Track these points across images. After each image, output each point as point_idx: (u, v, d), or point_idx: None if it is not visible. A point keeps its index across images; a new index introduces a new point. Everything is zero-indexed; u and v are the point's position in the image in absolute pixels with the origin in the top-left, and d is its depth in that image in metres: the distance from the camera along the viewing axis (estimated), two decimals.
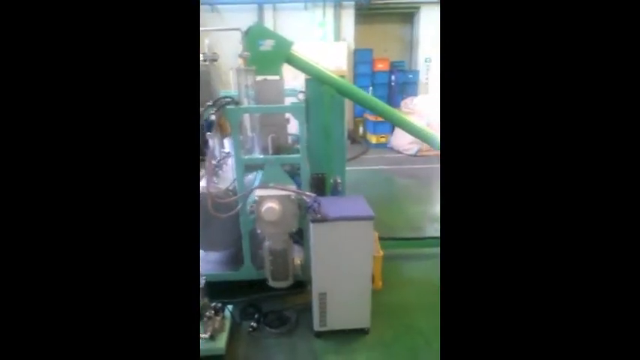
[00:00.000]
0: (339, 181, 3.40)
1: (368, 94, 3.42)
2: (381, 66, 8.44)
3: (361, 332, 2.44)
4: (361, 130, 8.41)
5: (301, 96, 3.04)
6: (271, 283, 2.58)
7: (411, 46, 9.30)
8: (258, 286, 2.67)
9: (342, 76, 3.24)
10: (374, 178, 6.14)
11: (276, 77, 2.84)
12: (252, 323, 2.47)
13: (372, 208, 2.33)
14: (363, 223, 2.24)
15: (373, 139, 7.91)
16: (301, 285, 2.67)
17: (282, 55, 2.78)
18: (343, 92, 3.13)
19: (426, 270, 3.25)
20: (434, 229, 4.07)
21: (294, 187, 2.49)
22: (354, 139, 8.32)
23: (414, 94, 8.38)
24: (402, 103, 7.84)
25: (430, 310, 2.71)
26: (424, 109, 7.51)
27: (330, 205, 2.34)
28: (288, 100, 3.10)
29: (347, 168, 6.36)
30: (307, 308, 2.46)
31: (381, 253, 2.94)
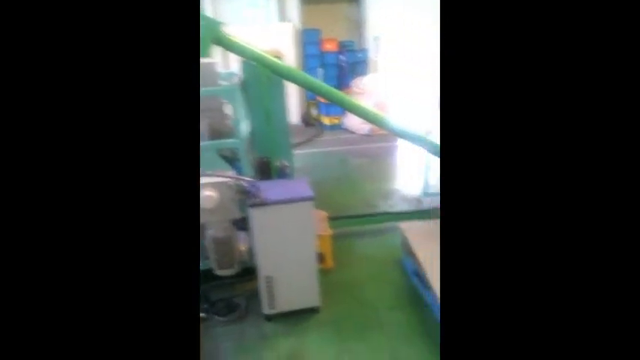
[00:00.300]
0: (286, 164, 3.36)
1: (305, 75, 3.35)
2: (329, 46, 8.35)
3: (312, 311, 2.47)
4: (314, 112, 8.35)
5: (236, 79, 2.94)
6: (217, 271, 2.53)
7: (359, 25, 9.27)
8: (204, 275, 2.60)
9: (278, 57, 3.16)
10: (329, 160, 6.16)
11: (212, 60, 2.72)
12: (200, 314, 2.42)
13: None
14: (303, 204, 2.23)
15: (327, 121, 7.90)
16: (250, 271, 2.64)
17: (209, 36, 2.65)
18: (279, 73, 3.06)
19: (378, 245, 3.33)
20: (388, 205, 4.17)
21: (232, 172, 2.43)
22: (307, 121, 8.26)
23: (365, 73, 8.40)
24: (353, 83, 7.86)
25: (381, 283, 2.79)
26: (374, 87, 7.58)
27: (269, 189, 2.31)
28: None
29: (301, 151, 6.38)
30: (257, 294, 2.44)
31: (330, 232, 2.96)
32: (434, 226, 2.83)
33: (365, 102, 7.26)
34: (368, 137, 7.14)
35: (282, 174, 3.29)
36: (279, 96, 3.53)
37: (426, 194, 3.75)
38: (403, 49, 8.50)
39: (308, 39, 8.21)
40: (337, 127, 7.78)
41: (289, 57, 7.73)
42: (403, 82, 7.91)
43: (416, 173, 5.03)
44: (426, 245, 2.56)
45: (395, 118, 6.84)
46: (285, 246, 2.28)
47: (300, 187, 2.39)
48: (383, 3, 8.64)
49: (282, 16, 8.11)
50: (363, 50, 8.83)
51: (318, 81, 3.33)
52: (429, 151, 3.48)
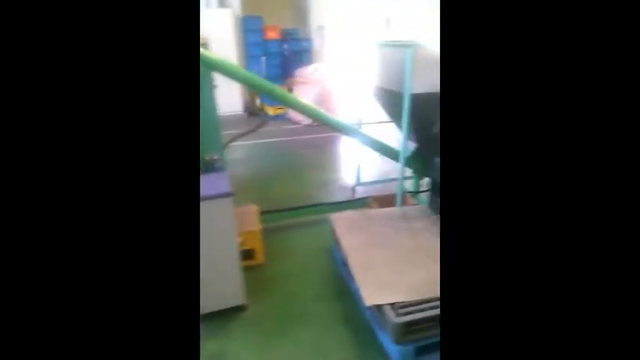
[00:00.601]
0: (215, 158, 3.23)
1: (234, 65, 3.22)
2: (272, 34, 8.17)
3: (239, 310, 2.42)
4: (258, 102, 8.16)
5: None
6: None
7: (303, 13, 9.15)
8: None
9: (203, 45, 2.99)
10: (271, 151, 6.08)
11: None
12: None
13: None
14: (220, 201, 2.14)
15: (271, 111, 7.76)
16: None
17: None
18: (205, 64, 2.90)
19: (311, 237, 3.33)
20: (326, 196, 4.18)
21: None
22: (251, 111, 8.07)
23: (309, 62, 8.34)
24: (297, 73, 7.77)
25: (310, 275, 2.79)
26: (318, 77, 7.55)
27: None
28: None
29: (244, 142, 6.20)
30: None
31: (259, 227, 2.91)
32: (361, 215, 2.88)
33: (309, 91, 7.23)
34: (312, 128, 7.12)
35: (212, 168, 3.16)
36: (207, 85, 3.37)
37: (359, 184, 3.81)
38: (348, 39, 8.53)
39: (249, 26, 7.96)
40: (281, 117, 7.68)
41: (229, 45, 7.46)
42: (347, 73, 7.96)
43: (353, 163, 5.12)
44: (351, 234, 2.59)
45: (336, 109, 6.85)
46: (205, 245, 2.19)
47: (219, 182, 2.30)
48: None
49: (222, 2, 7.78)
50: (308, 39, 8.75)
51: (248, 72, 3.20)
52: (362, 142, 3.52)
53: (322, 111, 3.52)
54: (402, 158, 2.99)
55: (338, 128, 3.64)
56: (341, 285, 2.63)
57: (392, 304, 1.89)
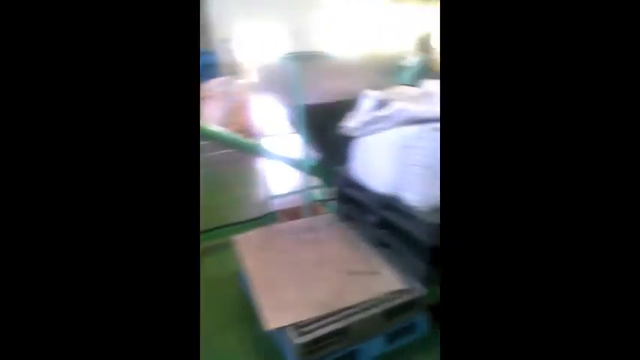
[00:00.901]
0: None
1: None
2: None
3: None
4: None
5: None
6: None
7: (204, 27, 8.85)
8: None
9: None
10: None
11: None
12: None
13: None
14: None
15: None
16: None
17: None
18: None
19: (217, 263, 3.10)
20: (239, 215, 3.97)
21: None
22: None
23: (215, 76, 8.05)
24: (201, 87, 7.44)
25: (215, 304, 2.59)
26: (225, 91, 7.33)
27: None
28: None
29: None
30: None
31: None
32: (265, 232, 2.77)
33: (216, 106, 6.95)
34: None
35: None
36: None
37: (271, 197, 3.72)
38: (256, 52, 8.44)
39: None
40: None
41: None
42: (257, 85, 7.85)
43: (266, 176, 5.02)
44: (254, 254, 2.46)
45: (248, 123, 6.69)
46: None
47: None
48: (230, 4, 8.40)
49: None
50: (211, 53, 8.45)
51: None
52: (267, 157, 3.45)
53: (221, 131, 3.37)
54: (305, 168, 2.97)
55: (237, 147, 3.52)
56: (249, 311, 2.47)
57: (293, 324, 1.80)
